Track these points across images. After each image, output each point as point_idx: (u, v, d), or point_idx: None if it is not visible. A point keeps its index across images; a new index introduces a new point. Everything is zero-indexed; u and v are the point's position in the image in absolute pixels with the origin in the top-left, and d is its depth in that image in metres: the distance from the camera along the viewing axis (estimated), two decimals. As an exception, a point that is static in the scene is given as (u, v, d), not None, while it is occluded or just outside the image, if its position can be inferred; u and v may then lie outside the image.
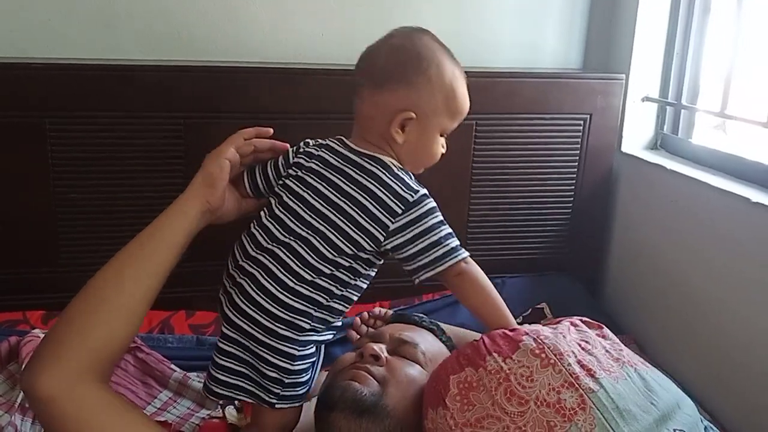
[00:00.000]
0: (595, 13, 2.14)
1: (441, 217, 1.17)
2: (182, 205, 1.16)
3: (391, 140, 1.19)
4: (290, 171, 1.21)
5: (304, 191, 1.17)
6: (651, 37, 1.99)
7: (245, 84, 1.80)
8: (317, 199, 1.16)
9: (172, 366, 1.55)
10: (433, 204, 1.17)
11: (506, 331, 1.17)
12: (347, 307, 1.20)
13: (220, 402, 1.43)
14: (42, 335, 1.56)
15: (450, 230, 1.17)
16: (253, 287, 1.13)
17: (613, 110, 2.00)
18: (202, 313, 1.82)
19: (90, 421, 1.00)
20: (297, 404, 1.19)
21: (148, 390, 1.51)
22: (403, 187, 1.15)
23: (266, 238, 1.15)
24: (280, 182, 1.22)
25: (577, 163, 2.02)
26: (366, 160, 1.18)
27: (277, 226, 1.16)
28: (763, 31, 1.73)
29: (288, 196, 1.18)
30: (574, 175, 2.03)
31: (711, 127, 2.02)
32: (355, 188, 1.15)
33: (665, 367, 1.70)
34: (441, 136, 1.24)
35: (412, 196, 1.15)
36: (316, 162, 1.20)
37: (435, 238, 1.15)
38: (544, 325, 1.22)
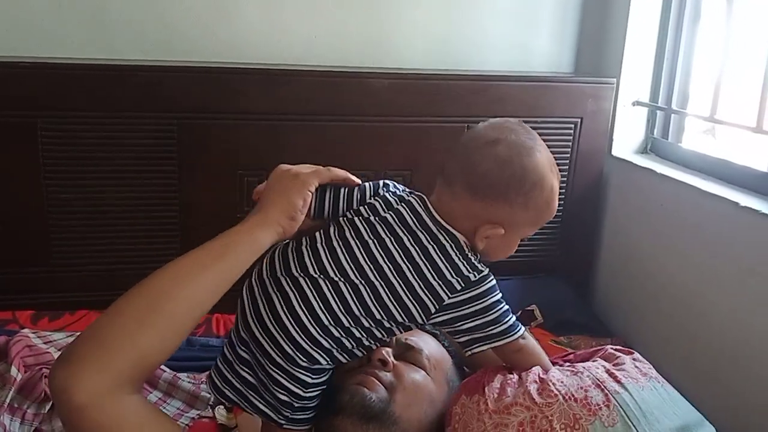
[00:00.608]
0: (586, 17, 2.16)
1: (500, 296, 1.15)
2: (258, 232, 1.08)
3: (471, 239, 1.14)
4: (362, 209, 1.17)
5: (370, 238, 1.13)
6: (642, 42, 2.00)
7: (238, 85, 1.80)
8: (381, 252, 1.11)
9: (162, 366, 1.54)
10: (494, 283, 1.15)
11: None
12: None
13: (210, 402, 1.43)
14: (31, 335, 1.55)
15: (507, 308, 1.16)
16: (284, 307, 1.08)
17: (603, 114, 2.01)
18: (192, 314, 1.82)
19: None
20: (305, 427, 1.16)
21: (138, 390, 1.51)
22: (468, 267, 1.12)
23: (315, 265, 1.10)
24: (348, 215, 1.17)
25: (568, 167, 2.03)
26: (441, 231, 1.13)
27: (329, 259, 1.11)
28: (751, 37, 1.74)
29: (351, 234, 1.13)
30: (565, 179, 2.04)
31: (700, 131, 2.04)
32: (421, 256, 1.11)
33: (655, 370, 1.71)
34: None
35: (475, 276, 1.12)
36: (393, 215, 1.15)
37: (494, 316, 1.13)
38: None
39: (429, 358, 1.27)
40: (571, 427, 1.08)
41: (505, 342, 1.15)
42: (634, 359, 1.29)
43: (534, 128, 1.94)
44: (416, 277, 1.10)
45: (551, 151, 1.92)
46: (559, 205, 2.01)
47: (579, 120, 2.00)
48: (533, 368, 1.19)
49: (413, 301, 1.10)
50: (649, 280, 1.85)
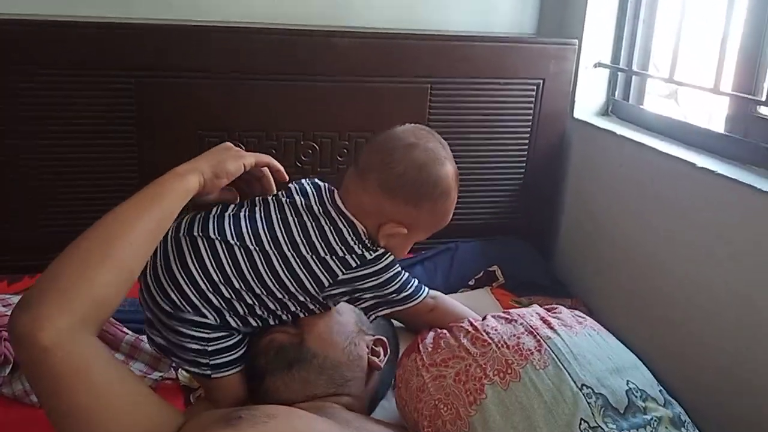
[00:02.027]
0: (549, -22, 2.15)
1: (398, 269, 1.24)
2: (186, 180, 1.12)
3: (374, 233, 1.21)
4: (279, 192, 1.26)
5: (275, 214, 1.20)
6: (604, 4, 2.00)
7: (199, 43, 1.77)
8: (281, 226, 1.19)
9: (124, 329, 1.53)
10: (392, 259, 1.22)
11: None
12: (259, 326, 1.22)
13: (173, 364, 1.43)
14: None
15: (407, 276, 1.26)
16: (178, 262, 1.14)
17: (565, 76, 2.02)
18: (154, 276, 1.80)
19: (89, 372, 0.97)
20: (235, 370, 1.20)
21: (100, 352, 1.50)
22: (362, 247, 1.19)
23: (216, 228, 1.17)
24: (267, 196, 1.26)
25: (529, 128, 2.04)
26: (341, 218, 1.20)
27: (231, 225, 1.18)
28: (711, 1, 1.76)
29: (260, 209, 1.22)
30: (527, 140, 2.05)
31: (663, 96, 2.06)
32: (317, 234, 1.18)
33: (614, 331, 1.74)
34: None
35: (371, 255, 1.19)
36: (302, 199, 1.23)
37: (395, 287, 1.23)
38: None
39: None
40: (504, 372, 1.14)
41: (409, 305, 1.26)
42: (571, 309, 1.36)
43: (497, 89, 1.99)
44: (309, 251, 1.17)
45: (514, 113, 1.95)
46: (521, 166, 2.07)
47: (541, 81, 2.00)
48: (464, 320, 1.28)
49: (305, 273, 1.17)
50: (609, 241, 1.88)
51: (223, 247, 1.15)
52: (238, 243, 1.15)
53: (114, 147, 1.78)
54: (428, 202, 1.20)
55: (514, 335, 1.19)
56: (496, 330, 1.21)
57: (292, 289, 1.17)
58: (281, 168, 1.26)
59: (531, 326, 1.21)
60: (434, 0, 2.10)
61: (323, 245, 1.17)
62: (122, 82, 1.74)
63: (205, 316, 1.14)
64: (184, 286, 1.12)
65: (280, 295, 1.17)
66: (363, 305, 1.25)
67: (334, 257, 1.17)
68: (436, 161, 1.19)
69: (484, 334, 1.20)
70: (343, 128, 1.90)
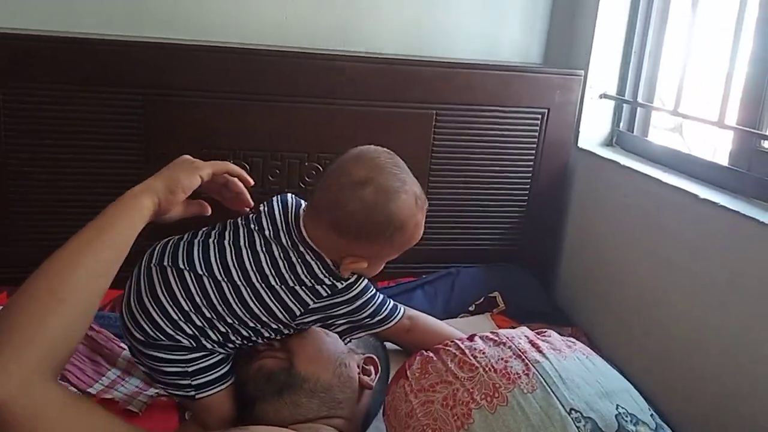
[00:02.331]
0: (556, 9, 2.17)
1: (372, 293, 1.26)
2: (139, 202, 1.10)
3: (339, 264, 1.20)
4: (250, 217, 1.24)
5: (244, 245, 1.19)
6: (610, 36, 2.02)
7: (207, 64, 1.78)
8: (250, 258, 1.18)
9: (122, 344, 1.53)
10: (364, 285, 1.24)
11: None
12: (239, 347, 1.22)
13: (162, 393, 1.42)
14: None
15: (382, 299, 1.29)
16: (148, 293, 1.14)
17: (570, 106, 2.03)
18: (154, 293, 1.80)
19: (46, 420, 0.94)
20: (220, 389, 1.20)
21: (96, 368, 1.49)
22: (332, 278, 1.20)
23: (185, 258, 1.17)
24: (239, 219, 1.25)
25: (533, 157, 2.05)
26: (308, 252, 1.19)
27: (200, 255, 1.17)
28: (717, 33, 1.77)
29: (230, 237, 1.20)
30: (531, 169, 2.05)
31: (668, 129, 2.06)
32: (287, 268, 1.18)
33: (614, 360, 1.73)
34: None
35: (342, 284, 1.20)
36: (270, 230, 1.21)
37: (368, 312, 1.25)
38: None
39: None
40: (491, 396, 1.14)
41: (384, 327, 1.30)
42: (561, 334, 1.35)
43: (502, 117, 1.99)
44: (279, 282, 1.17)
45: (518, 141, 1.94)
46: (524, 194, 2.07)
47: (546, 111, 2.01)
48: (450, 342, 1.27)
49: (276, 303, 1.17)
50: (610, 270, 1.88)
51: (192, 277, 1.15)
52: (206, 274, 1.15)
53: (120, 164, 1.78)
54: (384, 239, 1.17)
55: (502, 359, 1.19)
56: (483, 353, 1.20)
57: (264, 319, 1.17)
58: (242, 172, 1.24)
59: (519, 349, 1.21)
60: (441, 27, 2.11)
61: (292, 277, 1.17)
62: (129, 99, 1.75)
63: (180, 342, 1.14)
64: (156, 317, 1.13)
65: (252, 324, 1.18)
66: (337, 330, 1.25)
67: (303, 287, 1.18)
68: (388, 197, 1.14)
69: (471, 358, 1.20)
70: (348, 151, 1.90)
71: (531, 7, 2.17)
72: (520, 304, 1.91)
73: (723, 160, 1.67)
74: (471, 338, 1.28)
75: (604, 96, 2.06)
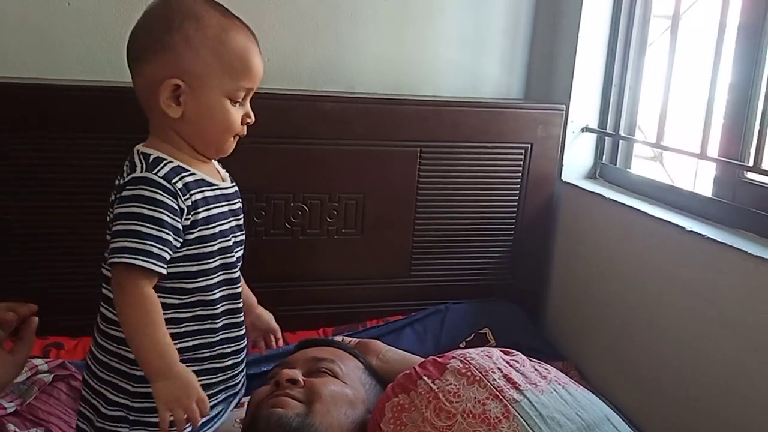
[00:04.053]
0: (535, 45, 2.19)
1: (137, 210, 1.05)
2: None
3: (167, 118, 1.11)
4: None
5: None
6: (590, 70, 2.04)
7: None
8: None
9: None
10: (140, 193, 1.06)
11: (436, 358, 1.23)
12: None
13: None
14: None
15: (133, 230, 1.04)
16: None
17: (553, 140, 2.04)
18: (139, 340, 1.77)
19: None
20: None
21: (82, 419, 1.46)
22: (126, 170, 1.12)
23: None
24: None
25: (518, 191, 2.05)
26: (130, 155, 1.15)
27: None
28: (696, 65, 1.79)
29: None
30: (516, 203, 2.06)
31: (647, 158, 2.08)
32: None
33: (604, 393, 1.72)
34: (232, 102, 1.15)
35: (123, 179, 1.10)
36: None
37: (115, 228, 1.06)
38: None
39: (341, 366, 1.28)
40: None
41: (109, 261, 1.05)
42: (531, 359, 1.28)
43: (486, 153, 2.00)
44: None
45: (502, 176, 1.93)
46: (510, 228, 2.07)
47: (529, 145, 2.02)
48: (419, 380, 1.17)
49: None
50: (598, 303, 1.88)
51: None
52: None
53: (102, 209, 1.75)
54: (175, 36, 1.07)
55: (479, 401, 1.12)
56: (458, 396, 1.13)
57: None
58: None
59: (496, 388, 1.14)
60: (422, 65, 2.12)
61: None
62: (113, 146, 1.73)
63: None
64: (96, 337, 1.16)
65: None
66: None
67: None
68: (164, 2, 1.10)
69: (447, 403, 1.12)
70: (333, 190, 1.90)
71: (510, 43, 2.18)
72: (510, 340, 1.89)
73: (705, 188, 1.68)
74: (441, 371, 1.19)
75: (586, 129, 2.08)
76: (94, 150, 1.73)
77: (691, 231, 1.54)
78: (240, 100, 1.16)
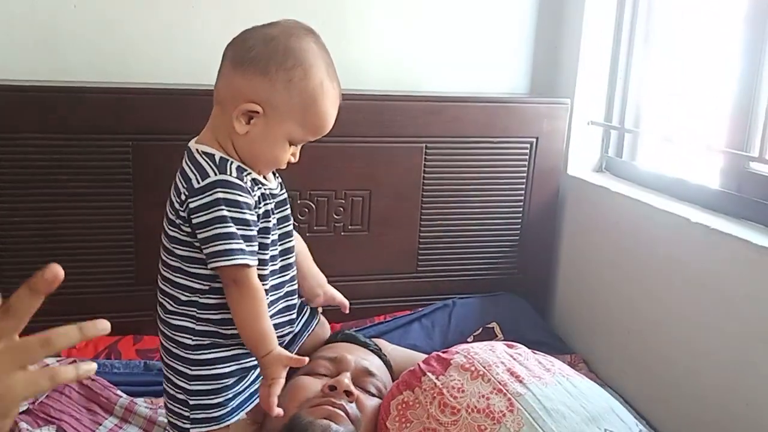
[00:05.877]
0: (540, 39, 2.19)
1: (222, 214, 1.12)
2: None
3: (231, 127, 1.16)
4: None
5: None
6: (595, 63, 2.04)
7: (195, 107, 1.77)
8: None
9: (118, 392, 1.51)
10: (219, 197, 1.12)
11: (439, 353, 1.24)
12: (217, 311, 1.20)
13: (166, 428, 1.40)
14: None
15: (228, 231, 1.11)
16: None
17: (559, 134, 2.04)
18: (149, 338, 1.78)
19: None
20: (215, 427, 1.20)
21: (93, 417, 1.47)
22: (197, 173, 1.16)
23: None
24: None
25: (524, 186, 2.05)
26: (200, 155, 1.18)
27: None
28: (702, 57, 1.79)
29: None
30: (522, 197, 2.06)
31: (655, 147, 2.08)
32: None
33: (612, 385, 1.73)
34: (289, 144, 1.20)
35: (199, 183, 1.14)
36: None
37: (206, 234, 1.13)
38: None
39: (383, 383, 1.32)
40: None
41: (215, 265, 1.12)
42: (534, 352, 1.30)
43: (491, 148, 2.00)
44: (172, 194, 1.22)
45: (508, 171, 1.93)
46: (517, 223, 2.07)
47: (535, 140, 2.02)
48: (424, 377, 1.19)
49: (172, 212, 1.21)
50: (605, 296, 1.88)
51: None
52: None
53: (110, 211, 1.77)
54: (281, 74, 1.12)
55: (483, 396, 1.14)
56: (462, 392, 1.15)
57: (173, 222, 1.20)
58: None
59: (499, 382, 1.16)
60: (427, 61, 2.12)
61: (175, 183, 1.23)
62: (119, 146, 1.75)
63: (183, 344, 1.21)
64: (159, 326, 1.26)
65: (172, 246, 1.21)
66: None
67: (176, 192, 1.22)
68: (291, 35, 1.14)
69: (451, 399, 1.14)
70: (340, 187, 1.91)
71: (515, 37, 2.18)
72: (517, 334, 1.90)
73: (712, 179, 1.68)
74: (445, 367, 1.21)
75: (591, 123, 2.08)
76: (100, 152, 1.74)
77: (698, 222, 1.54)
78: (296, 144, 1.22)
